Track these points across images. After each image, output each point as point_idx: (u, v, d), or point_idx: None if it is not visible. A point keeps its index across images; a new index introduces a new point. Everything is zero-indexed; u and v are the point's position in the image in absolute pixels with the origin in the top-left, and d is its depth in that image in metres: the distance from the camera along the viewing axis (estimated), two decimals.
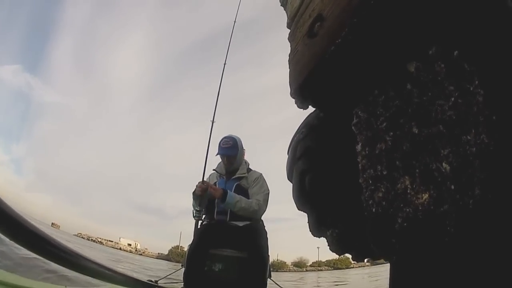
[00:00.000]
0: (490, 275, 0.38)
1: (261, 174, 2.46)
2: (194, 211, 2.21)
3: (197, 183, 2.24)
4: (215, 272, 1.97)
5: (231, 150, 2.37)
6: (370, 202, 0.48)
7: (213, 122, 2.50)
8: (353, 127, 0.55)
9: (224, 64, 2.82)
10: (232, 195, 2.17)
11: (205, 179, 2.37)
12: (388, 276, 0.54)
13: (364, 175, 0.49)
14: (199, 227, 2.33)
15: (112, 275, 0.95)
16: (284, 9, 0.93)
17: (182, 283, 1.98)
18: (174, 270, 2.92)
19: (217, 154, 2.38)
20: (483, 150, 0.39)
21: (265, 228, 2.32)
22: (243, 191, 2.27)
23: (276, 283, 2.72)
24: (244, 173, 2.41)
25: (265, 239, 2.21)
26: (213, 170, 2.50)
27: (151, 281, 2.30)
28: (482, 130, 0.40)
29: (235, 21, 3.17)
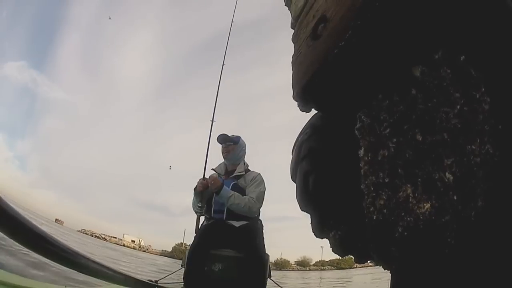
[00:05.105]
0: None
1: (259, 173, 2.47)
2: (196, 207, 2.26)
3: (198, 180, 2.28)
4: (215, 272, 1.98)
5: (233, 137, 2.45)
6: (371, 209, 0.47)
7: (212, 121, 2.56)
8: (356, 132, 0.54)
9: (223, 64, 2.89)
10: (227, 190, 2.21)
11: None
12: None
13: (366, 182, 0.49)
14: (200, 226, 2.35)
15: (112, 275, 0.95)
16: (289, 9, 0.91)
17: (182, 283, 1.99)
18: (174, 271, 2.94)
19: (218, 139, 2.43)
20: (488, 160, 0.38)
21: (263, 227, 2.32)
22: (240, 190, 2.29)
23: (276, 283, 2.72)
24: (242, 172, 2.44)
25: (261, 238, 2.21)
26: (212, 169, 2.52)
27: (151, 281, 2.33)
28: (487, 140, 0.38)
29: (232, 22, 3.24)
